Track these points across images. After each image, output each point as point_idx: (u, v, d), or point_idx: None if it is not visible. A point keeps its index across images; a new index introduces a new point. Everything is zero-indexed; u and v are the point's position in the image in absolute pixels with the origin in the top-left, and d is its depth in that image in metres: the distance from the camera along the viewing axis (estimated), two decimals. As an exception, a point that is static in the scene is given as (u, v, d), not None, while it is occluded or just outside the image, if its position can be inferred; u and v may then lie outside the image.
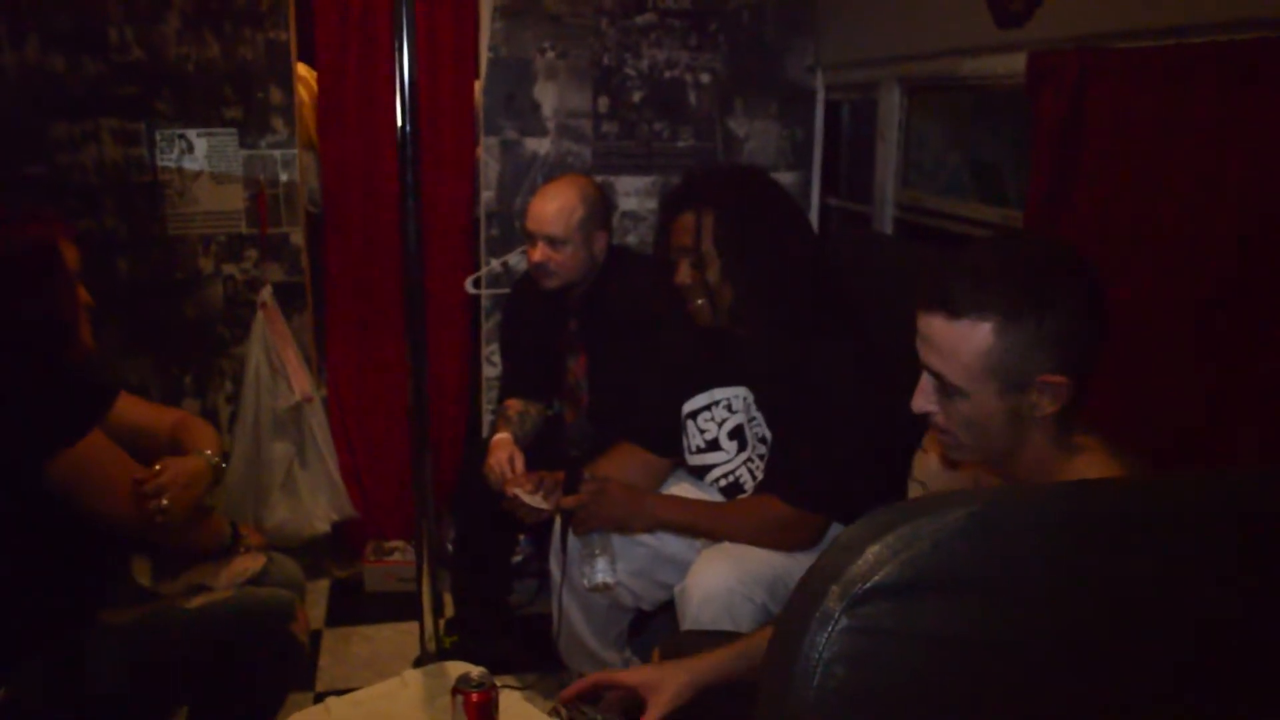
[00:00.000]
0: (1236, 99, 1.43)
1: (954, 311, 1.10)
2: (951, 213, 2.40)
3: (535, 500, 1.95)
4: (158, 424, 1.82)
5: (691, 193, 1.89)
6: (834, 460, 1.81)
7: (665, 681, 1.35)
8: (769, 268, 1.82)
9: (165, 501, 1.60)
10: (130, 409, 1.78)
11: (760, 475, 1.96)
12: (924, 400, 1.17)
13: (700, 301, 1.88)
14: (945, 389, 1.13)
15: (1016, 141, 2.38)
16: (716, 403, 2.01)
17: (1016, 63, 1.89)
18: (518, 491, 1.97)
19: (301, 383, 2.76)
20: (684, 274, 1.87)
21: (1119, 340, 1.60)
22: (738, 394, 1.99)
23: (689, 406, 2.04)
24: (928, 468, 1.37)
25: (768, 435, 1.95)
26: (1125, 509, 0.71)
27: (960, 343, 1.09)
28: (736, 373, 1.98)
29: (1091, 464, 1.13)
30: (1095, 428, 1.17)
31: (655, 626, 2.22)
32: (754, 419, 1.97)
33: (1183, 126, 1.52)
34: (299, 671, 1.92)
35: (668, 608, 1.97)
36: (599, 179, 2.84)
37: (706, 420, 2.02)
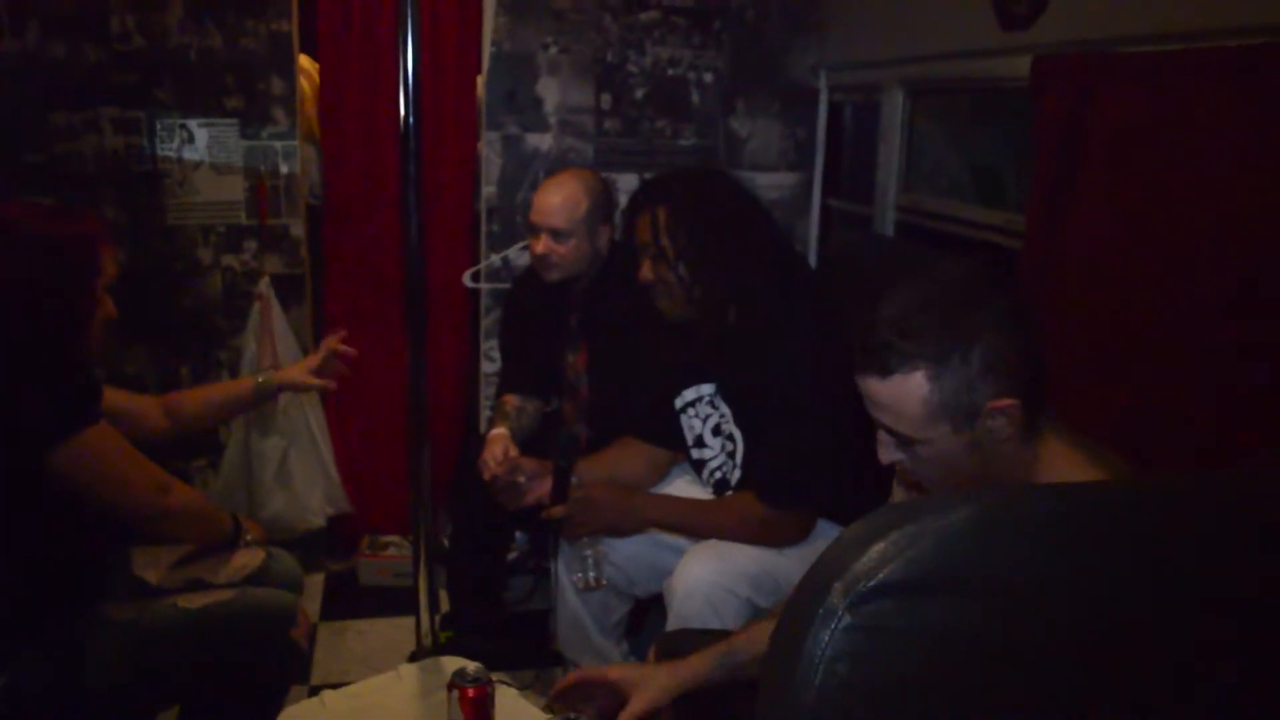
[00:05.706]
0: (1241, 104, 1.43)
1: (884, 371, 1.11)
2: (953, 215, 2.40)
3: (512, 478, 2.01)
4: (142, 406, 1.87)
5: (647, 192, 1.93)
6: (803, 455, 1.80)
7: (647, 680, 1.44)
8: (724, 257, 1.83)
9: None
10: (111, 397, 1.78)
11: (740, 471, 1.96)
12: (887, 453, 1.18)
13: (663, 298, 1.89)
14: (903, 442, 1.15)
15: (1017, 145, 2.38)
16: (701, 398, 2.02)
17: (1021, 66, 1.88)
18: (493, 466, 2.04)
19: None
20: (646, 270, 1.89)
21: (1122, 344, 1.60)
22: (711, 390, 2.00)
23: (680, 401, 2.05)
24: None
25: (735, 432, 1.96)
26: (1128, 509, 0.71)
27: (899, 398, 1.11)
28: (708, 368, 1.99)
29: (1069, 465, 1.14)
30: (1061, 426, 1.17)
31: (652, 623, 2.22)
32: (724, 414, 1.98)
33: (1187, 131, 1.52)
34: (297, 676, 1.91)
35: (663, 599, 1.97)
36: (600, 176, 2.84)
37: (693, 416, 2.04)
